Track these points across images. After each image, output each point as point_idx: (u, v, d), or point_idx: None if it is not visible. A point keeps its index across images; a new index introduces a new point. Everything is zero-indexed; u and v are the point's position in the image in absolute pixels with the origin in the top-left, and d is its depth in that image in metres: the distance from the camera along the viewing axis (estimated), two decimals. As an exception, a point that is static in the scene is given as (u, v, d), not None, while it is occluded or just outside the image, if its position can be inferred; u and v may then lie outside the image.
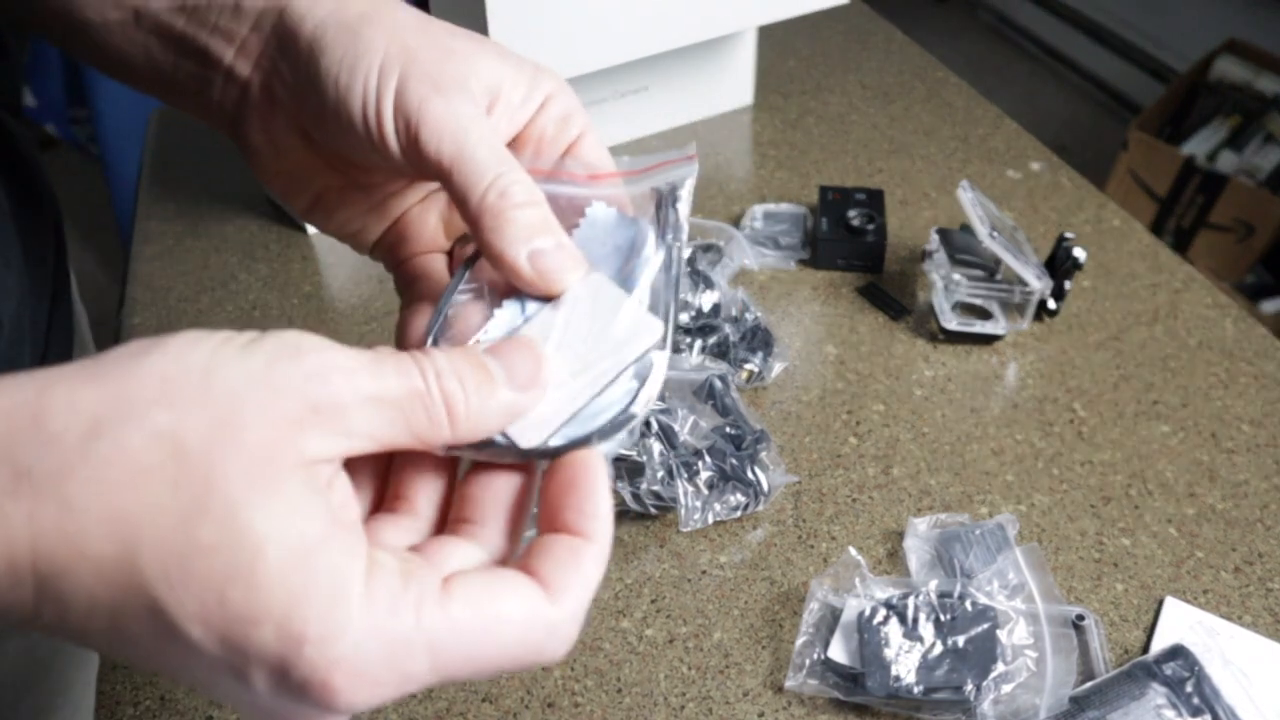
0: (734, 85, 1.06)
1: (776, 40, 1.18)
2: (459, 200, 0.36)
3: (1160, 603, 0.63)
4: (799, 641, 0.60)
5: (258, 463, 0.26)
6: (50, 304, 0.58)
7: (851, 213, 0.87)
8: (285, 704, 0.27)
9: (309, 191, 0.42)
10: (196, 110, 0.43)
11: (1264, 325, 0.82)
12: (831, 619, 0.61)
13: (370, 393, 0.27)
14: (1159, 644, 0.61)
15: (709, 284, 0.78)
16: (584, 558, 0.30)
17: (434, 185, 0.42)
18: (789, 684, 0.59)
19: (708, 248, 0.87)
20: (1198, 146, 2.14)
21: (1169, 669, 0.57)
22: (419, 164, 0.37)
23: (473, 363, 0.30)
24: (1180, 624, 0.62)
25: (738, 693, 0.59)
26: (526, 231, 0.35)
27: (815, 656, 0.59)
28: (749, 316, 0.78)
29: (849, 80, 1.13)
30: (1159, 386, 0.77)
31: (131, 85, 0.44)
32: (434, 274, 0.41)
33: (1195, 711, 0.55)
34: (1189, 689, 0.56)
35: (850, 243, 0.86)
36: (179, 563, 0.25)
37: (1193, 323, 0.82)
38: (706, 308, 0.77)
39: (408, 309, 0.39)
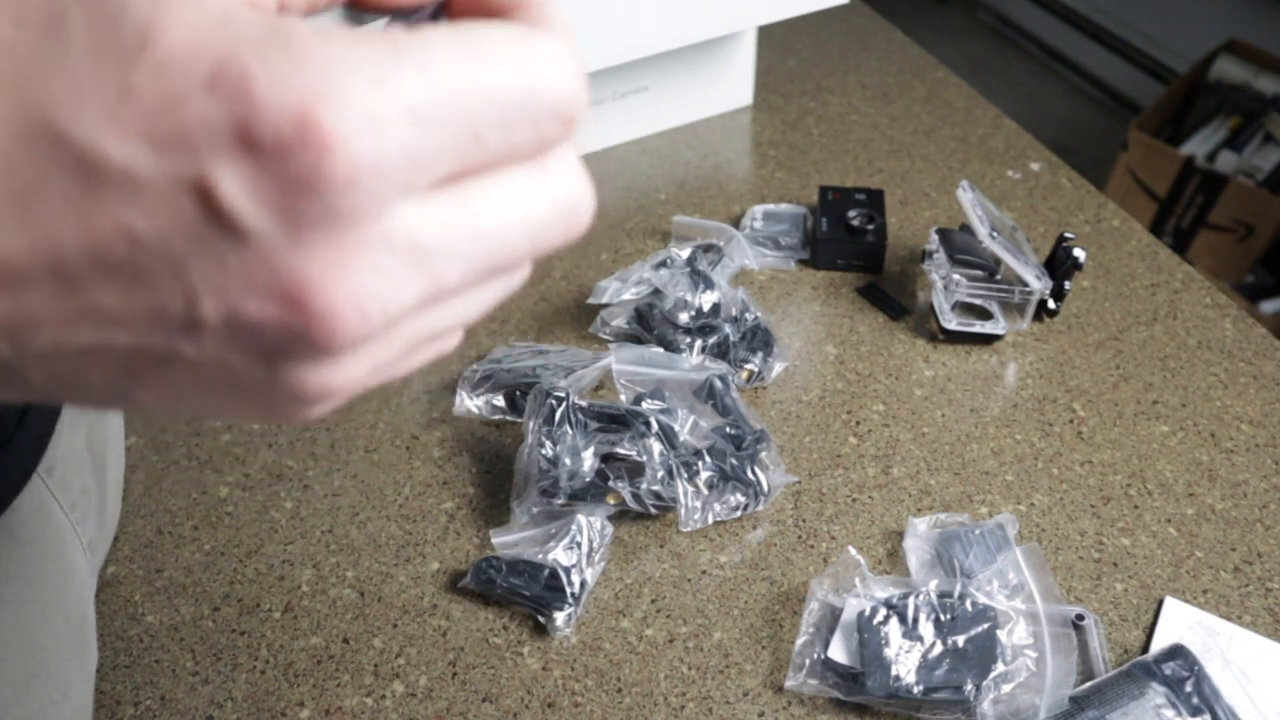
0: (734, 85, 1.06)
1: (776, 40, 1.18)
2: None
3: (1160, 602, 0.63)
4: (799, 641, 0.60)
5: None
6: None
7: (851, 213, 0.87)
8: (294, 204, 0.19)
9: None
10: None
11: (1263, 325, 0.82)
12: (831, 619, 0.61)
13: None
14: (1159, 644, 0.61)
15: (709, 284, 0.78)
16: None
17: None
18: (789, 684, 0.59)
19: (708, 248, 0.87)
20: (1197, 147, 2.14)
21: (1169, 669, 0.57)
22: None
23: None
24: (1180, 624, 0.62)
25: (738, 693, 0.59)
26: None
27: (815, 656, 0.59)
28: (749, 316, 0.78)
29: (849, 80, 1.13)
30: (1159, 386, 0.77)
31: None
32: None
33: (1195, 711, 0.56)
34: (1188, 689, 0.56)
35: (850, 243, 0.86)
36: (61, 78, 0.19)
37: (1192, 323, 0.82)
38: (706, 308, 0.77)
39: None
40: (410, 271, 0.20)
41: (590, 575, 0.64)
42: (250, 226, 0.19)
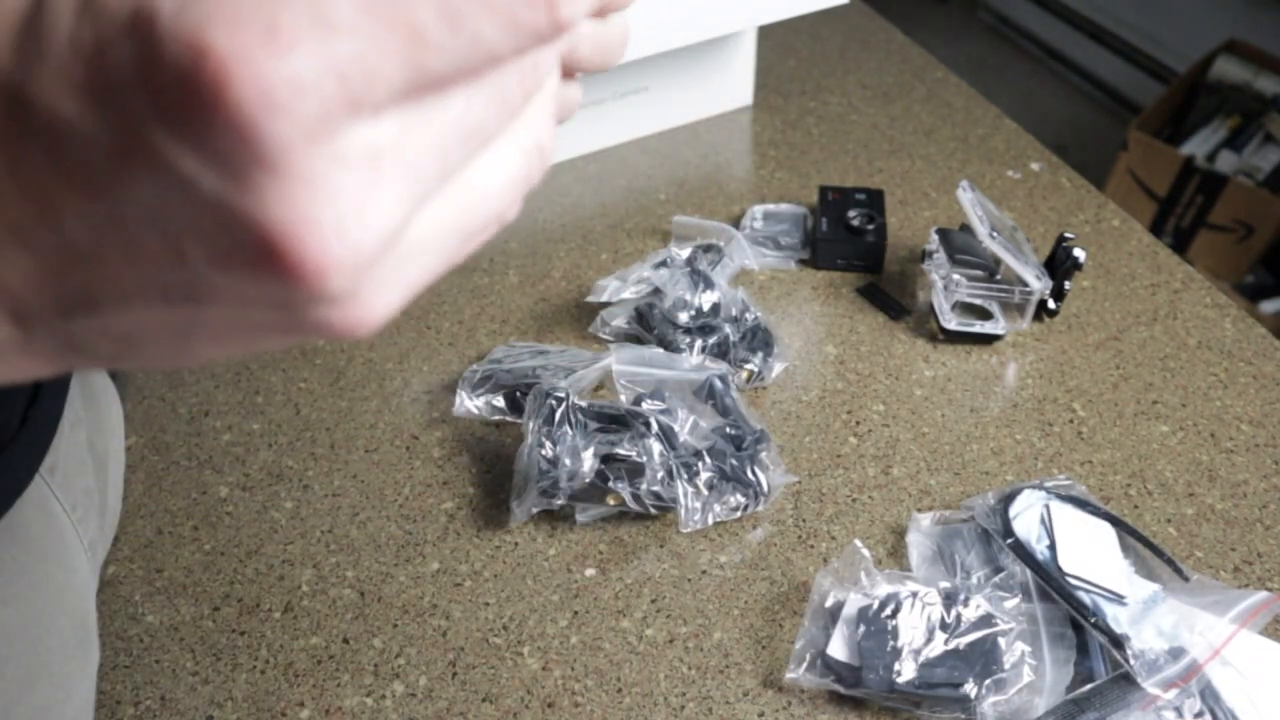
0: (734, 85, 1.06)
1: (776, 40, 1.18)
2: None
3: (1160, 603, 0.63)
4: (800, 636, 0.60)
5: None
6: None
7: (851, 213, 0.87)
8: (216, 144, 0.16)
9: None
10: None
11: (1263, 325, 0.82)
12: (833, 614, 0.61)
13: None
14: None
15: (709, 284, 0.78)
16: None
17: None
18: (789, 676, 0.59)
19: (708, 248, 0.87)
20: (1197, 146, 2.14)
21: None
22: None
23: None
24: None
25: (738, 692, 0.59)
26: None
27: (816, 651, 0.59)
28: (749, 316, 0.78)
29: (849, 80, 1.13)
30: (1158, 386, 0.77)
31: None
32: None
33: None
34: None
35: (850, 243, 0.86)
36: (12, 33, 0.17)
37: (1192, 323, 0.82)
38: (706, 308, 0.77)
39: None
40: (378, 180, 0.18)
41: None
42: (191, 176, 0.17)
